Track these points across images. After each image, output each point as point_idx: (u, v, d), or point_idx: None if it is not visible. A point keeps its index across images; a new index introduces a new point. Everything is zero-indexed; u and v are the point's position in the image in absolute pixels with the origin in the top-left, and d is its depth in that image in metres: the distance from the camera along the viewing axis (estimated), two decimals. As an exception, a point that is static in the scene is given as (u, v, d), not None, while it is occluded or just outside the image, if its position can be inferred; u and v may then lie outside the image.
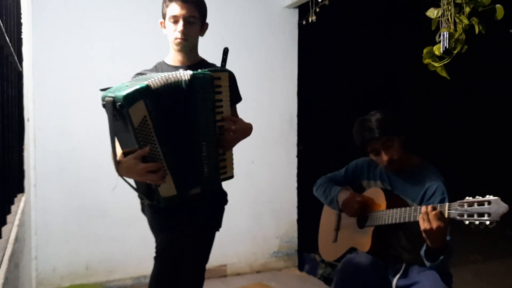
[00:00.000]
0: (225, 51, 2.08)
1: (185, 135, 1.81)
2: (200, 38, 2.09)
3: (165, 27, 2.00)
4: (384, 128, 2.06)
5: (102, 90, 1.77)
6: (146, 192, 1.85)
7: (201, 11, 1.97)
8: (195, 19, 1.94)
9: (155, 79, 1.72)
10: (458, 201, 1.72)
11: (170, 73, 1.77)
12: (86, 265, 3.34)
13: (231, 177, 1.99)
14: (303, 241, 3.97)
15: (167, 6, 1.95)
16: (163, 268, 1.96)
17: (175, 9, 1.92)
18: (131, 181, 1.85)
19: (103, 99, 1.69)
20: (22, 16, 2.34)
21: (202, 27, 2.02)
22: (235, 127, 1.91)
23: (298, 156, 4.00)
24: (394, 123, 2.11)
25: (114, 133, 1.73)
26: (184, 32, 1.93)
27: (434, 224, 1.73)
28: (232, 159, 1.97)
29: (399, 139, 2.09)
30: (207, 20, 2.07)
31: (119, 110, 1.63)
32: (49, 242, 3.24)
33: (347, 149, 2.26)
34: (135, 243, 3.42)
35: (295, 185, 3.99)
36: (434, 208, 1.76)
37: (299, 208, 4.01)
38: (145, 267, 3.40)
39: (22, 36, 2.34)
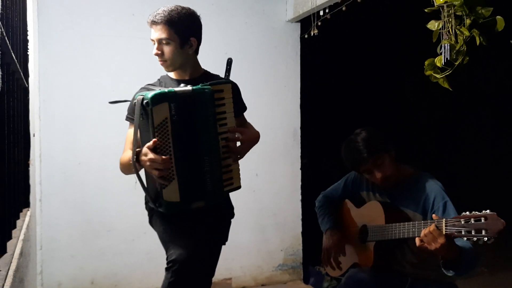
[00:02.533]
0: (229, 62, 2.08)
1: (191, 147, 1.84)
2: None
3: None
4: (372, 147, 2.05)
5: (111, 102, 1.93)
6: (153, 194, 1.88)
7: (177, 29, 1.93)
8: (168, 40, 1.93)
9: (178, 89, 1.82)
10: (454, 217, 1.71)
11: (177, 88, 1.83)
12: (91, 280, 3.33)
13: (238, 187, 2.00)
14: (308, 254, 3.95)
15: None
16: (177, 279, 1.95)
17: (151, 32, 1.97)
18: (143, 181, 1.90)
19: (135, 97, 1.83)
20: (28, 33, 2.38)
21: (185, 44, 1.97)
22: (242, 137, 1.93)
23: (302, 169, 4.00)
24: (381, 140, 2.09)
25: (139, 129, 1.82)
26: (159, 54, 1.97)
27: (437, 244, 1.72)
28: (238, 170, 1.98)
29: (388, 155, 2.07)
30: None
31: (145, 108, 1.74)
32: (54, 257, 3.24)
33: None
34: (140, 258, 3.42)
35: (299, 197, 3.98)
36: (433, 226, 1.73)
37: (303, 221, 3.99)
38: (150, 281, 3.40)
39: (28, 53, 2.37)
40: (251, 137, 2.02)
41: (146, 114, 1.76)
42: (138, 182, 1.87)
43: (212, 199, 1.92)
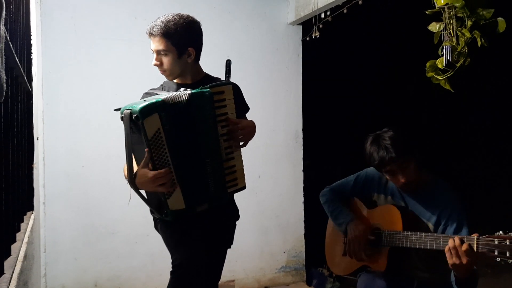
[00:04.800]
0: (228, 64, 2.10)
1: (190, 152, 1.83)
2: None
3: None
4: (401, 147, 1.99)
5: (116, 110, 1.85)
6: (156, 205, 1.87)
7: (174, 41, 1.94)
8: (166, 51, 1.95)
9: (169, 96, 1.78)
10: (487, 236, 1.67)
11: (174, 93, 1.82)
12: (95, 282, 3.34)
13: (243, 188, 1.99)
14: (311, 256, 3.95)
15: None
16: (182, 283, 1.96)
17: (151, 43, 1.99)
18: (143, 195, 1.88)
19: (121, 112, 1.77)
20: (31, 37, 2.39)
21: (182, 54, 1.98)
22: (241, 125, 1.91)
23: (304, 171, 4.01)
24: (411, 142, 2.05)
25: (131, 145, 1.78)
26: (158, 65, 1.99)
27: (464, 259, 1.68)
28: (242, 170, 1.97)
29: (415, 160, 2.02)
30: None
31: (135, 122, 1.71)
32: (58, 259, 3.25)
33: (354, 163, 2.25)
34: (143, 260, 3.43)
35: (302, 199, 3.99)
36: (461, 241, 1.70)
37: (306, 223, 4.00)
38: (153, 284, 3.41)
39: (31, 57, 2.38)
40: (248, 124, 1.99)
41: (137, 128, 1.73)
42: (131, 199, 1.88)
43: (215, 201, 1.92)
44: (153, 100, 1.73)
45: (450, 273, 1.86)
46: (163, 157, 1.75)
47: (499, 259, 1.61)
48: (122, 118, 1.77)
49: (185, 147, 1.82)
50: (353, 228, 2.13)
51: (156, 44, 1.95)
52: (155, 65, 1.99)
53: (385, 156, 2.00)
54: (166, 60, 1.97)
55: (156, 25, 1.94)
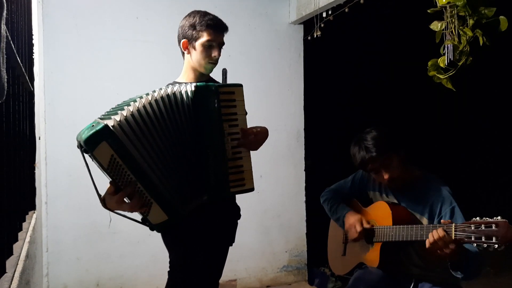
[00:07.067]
0: (224, 72, 2.15)
1: (181, 148, 1.79)
2: None
3: (187, 48, 2.04)
4: (381, 146, 2.03)
5: None
6: (141, 219, 1.84)
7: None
8: (223, 45, 2.07)
9: (125, 110, 1.68)
10: (464, 222, 1.70)
11: (169, 87, 1.80)
12: (97, 282, 3.35)
13: (251, 189, 1.94)
14: (313, 255, 3.95)
15: (201, 31, 2.00)
16: (177, 282, 1.96)
17: (212, 35, 2.01)
18: (123, 214, 1.84)
19: (76, 139, 1.67)
20: (33, 37, 2.40)
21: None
22: (256, 131, 1.96)
23: (306, 171, 4.01)
24: (391, 140, 2.08)
25: (90, 172, 1.72)
26: (217, 58, 2.04)
27: (446, 249, 1.72)
28: (251, 172, 1.93)
29: (397, 156, 2.05)
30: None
31: (86, 153, 1.62)
32: (60, 259, 3.26)
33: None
34: (145, 260, 3.43)
35: (304, 199, 3.99)
36: (442, 231, 1.73)
37: (308, 222, 4.00)
38: (155, 283, 3.41)
39: (33, 57, 2.39)
40: (262, 131, 2.03)
41: (90, 157, 1.64)
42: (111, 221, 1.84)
43: (216, 193, 1.86)
44: (98, 127, 1.59)
45: (447, 271, 1.87)
46: (128, 179, 1.69)
47: (475, 244, 1.64)
48: (78, 146, 1.66)
49: (171, 147, 1.76)
50: (349, 217, 2.20)
51: (221, 37, 2.06)
52: (216, 56, 2.04)
53: (365, 155, 2.05)
54: (219, 53, 2.06)
55: (220, 20, 2.07)
